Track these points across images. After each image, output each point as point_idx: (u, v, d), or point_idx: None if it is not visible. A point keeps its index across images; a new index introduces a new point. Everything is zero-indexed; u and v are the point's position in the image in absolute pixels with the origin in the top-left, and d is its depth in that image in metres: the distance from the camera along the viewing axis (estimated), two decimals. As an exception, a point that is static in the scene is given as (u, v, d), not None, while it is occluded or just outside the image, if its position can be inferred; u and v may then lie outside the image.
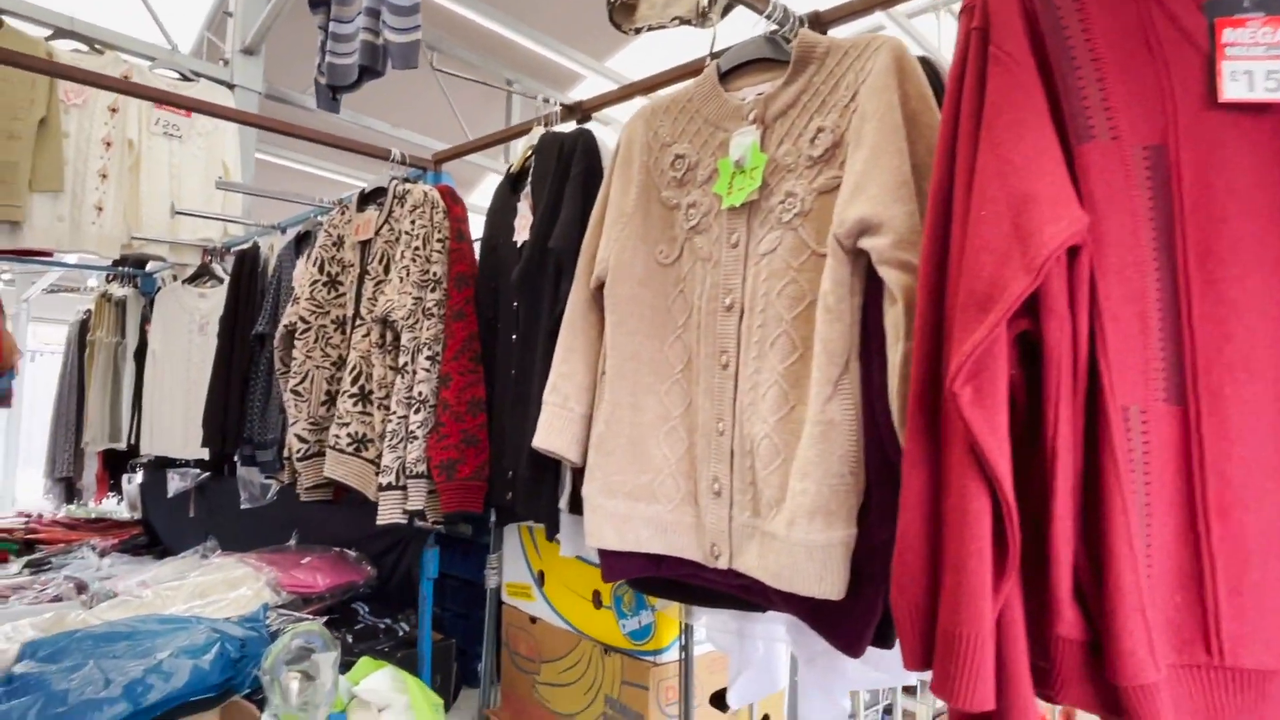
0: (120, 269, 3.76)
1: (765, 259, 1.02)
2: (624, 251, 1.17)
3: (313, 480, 1.91)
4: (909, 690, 2.12)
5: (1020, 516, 0.69)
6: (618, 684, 1.53)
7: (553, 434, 1.21)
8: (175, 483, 3.08)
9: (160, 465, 3.18)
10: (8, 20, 2.80)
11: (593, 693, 1.58)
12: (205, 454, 2.80)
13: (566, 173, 1.40)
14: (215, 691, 1.45)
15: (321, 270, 1.99)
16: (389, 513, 1.63)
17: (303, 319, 1.95)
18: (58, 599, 2.50)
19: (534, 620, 1.76)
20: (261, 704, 1.45)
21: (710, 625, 1.35)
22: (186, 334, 3.00)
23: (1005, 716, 0.69)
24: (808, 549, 0.90)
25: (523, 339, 1.50)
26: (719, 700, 1.58)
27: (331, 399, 1.95)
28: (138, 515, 3.69)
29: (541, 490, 1.39)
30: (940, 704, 2.71)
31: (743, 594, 1.08)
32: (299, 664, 1.47)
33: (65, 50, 2.93)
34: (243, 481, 2.45)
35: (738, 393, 1.04)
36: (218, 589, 2.04)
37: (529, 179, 1.59)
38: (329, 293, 1.98)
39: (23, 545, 3.23)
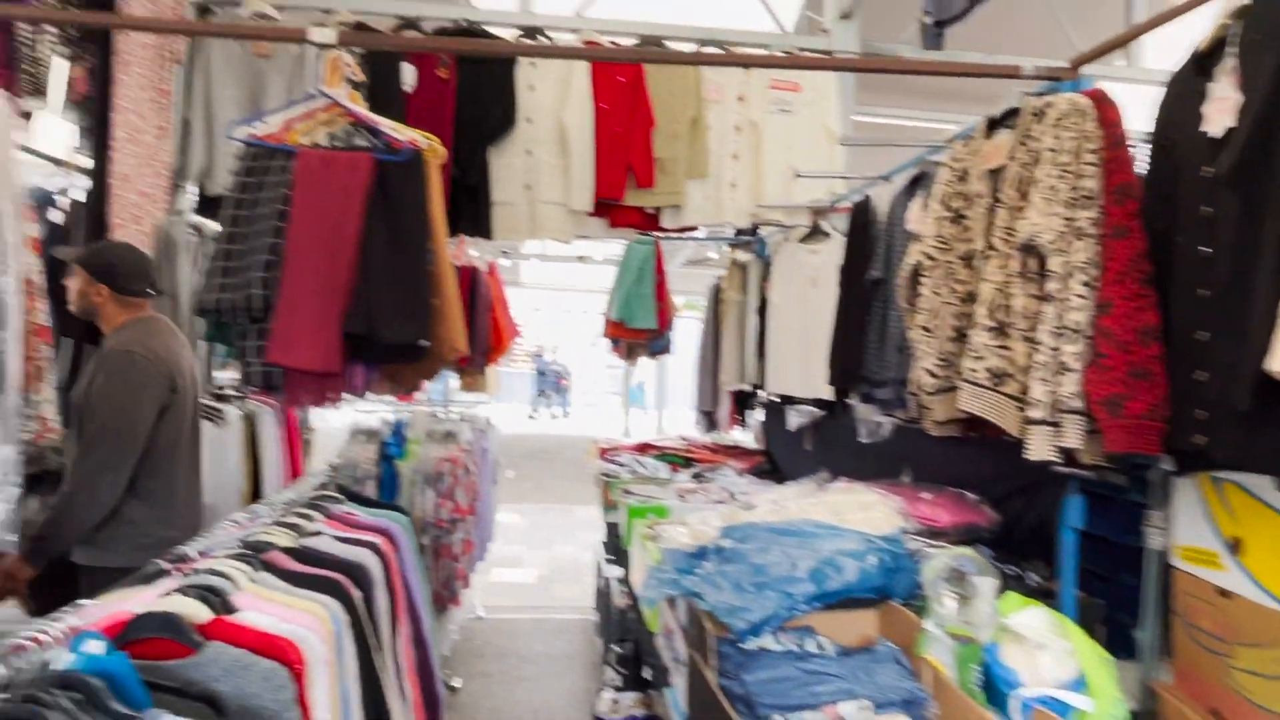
0: (739, 238, 4.44)
1: None
2: None
3: (944, 415, 1.94)
4: None
5: None
6: (1380, 694, 1.16)
7: (1305, 355, 0.95)
8: (794, 419, 3.52)
9: (780, 403, 3.68)
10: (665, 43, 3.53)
11: (1332, 696, 1.24)
12: (822, 393, 3.13)
13: (1315, 22, 1.08)
14: (874, 593, 1.59)
15: (945, 206, 1.98)
16: (1039, 448, 1.54)
17: (928, 256, 1.98)
18: (719, 501, 3.13)
19: (1224, 593, 1.47)
20: (915, 613, 1.54)
21: None
22: (801, 287, 3.37)
23: None
24: None
25: (1229, 249, 1.23)
26: None
27: (960, 334, 1.94)
28: (761, 446, 4.35)
29: (1268, 430, 1.13)
30: None
31: None
32: (954, 585, 1.51)
33: (707, 52, 3.55)
34: (860, 418, 2.65)
35: None
36: (851, 509, 2.25)
37: (1227, 51, 1.29)
38: (954, 228, 1.97)
39: (684, 460, 4.13)
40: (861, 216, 2.65)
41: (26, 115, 3.30)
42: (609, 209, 3.52)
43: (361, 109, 1.85)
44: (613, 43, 3.47)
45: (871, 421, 2.64)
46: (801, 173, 3.14)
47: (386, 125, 1.80)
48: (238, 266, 1.73)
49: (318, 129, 1.91)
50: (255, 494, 3.77)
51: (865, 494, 2.34)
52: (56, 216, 3.26)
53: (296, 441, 4.18)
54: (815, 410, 3.44)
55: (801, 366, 3.36)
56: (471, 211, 3.41)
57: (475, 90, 3.40)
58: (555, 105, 3.42)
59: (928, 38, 2.64)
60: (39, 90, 3.22)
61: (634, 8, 3.53)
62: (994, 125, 1.90)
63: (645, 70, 3.46)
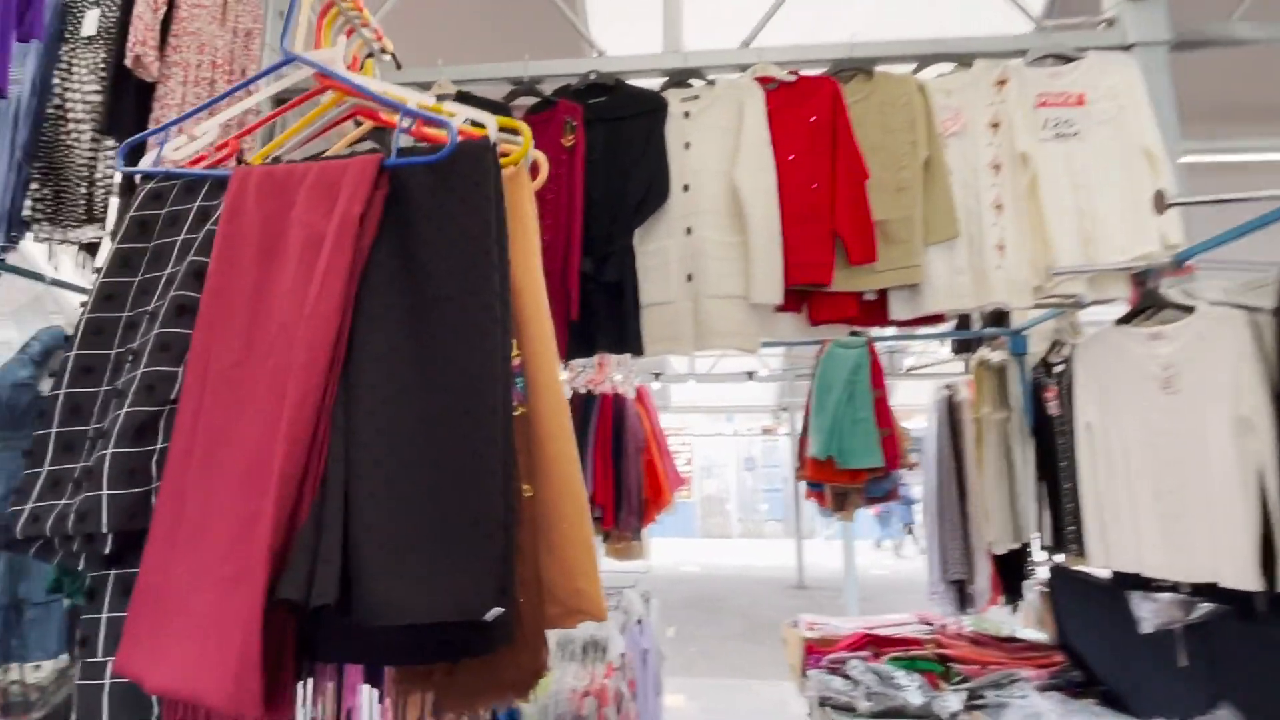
0: (981, 331, 3.19)
1: None
2: None
3: None
4: None
5: None
6: None
7: None
8: (1150, 613, 2.11)
9: (1118, 583, 2.29)
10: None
11: None
12: (1226, 577, 1.78)
13: None
14: None
15: None
16: None
17: None
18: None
19: None
20: None
21: None
22: (1145, 397, 2.06)
23: None
24: None
25: None
26: None
27: None
28: (1051, 638, 2.89)
29: None
30: None
31: None
32: None
33: (932, 77, 2.49)
34: None
35: None
36: None
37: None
38: None
39: (940, 665, 2.75)
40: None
41: None
42: (808, 299, 2.43)
43: (372, 81, 0.88)
44: (794, 73, 2.49)
45: None
46: (1132, 219, 1.91)
47: (417, 101, 0.83)
48: (88, 437, 0.75)
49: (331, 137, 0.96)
50: None
51: None
52: None
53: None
54: (1198, 603, 2.03)
55: (1166, 530, 2.00)
56: (614, 318, 2.43)
57: (612, 156, 2.50)
58: (722, 163, 2.45)
59: None
60: None
61: (821, 29, 2.58)
62: None
63: (847, 104, 2.43)
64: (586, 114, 2.53)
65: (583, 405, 3.15)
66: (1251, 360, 1.81)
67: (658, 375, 7.64)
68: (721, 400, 16.07)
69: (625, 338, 2.43)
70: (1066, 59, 2.41)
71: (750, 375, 5.81)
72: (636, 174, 2.47)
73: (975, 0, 2.70)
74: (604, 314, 2.43)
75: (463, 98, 2.61)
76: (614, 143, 2.52)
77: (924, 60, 2.52)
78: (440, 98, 2.60)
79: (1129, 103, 2.32)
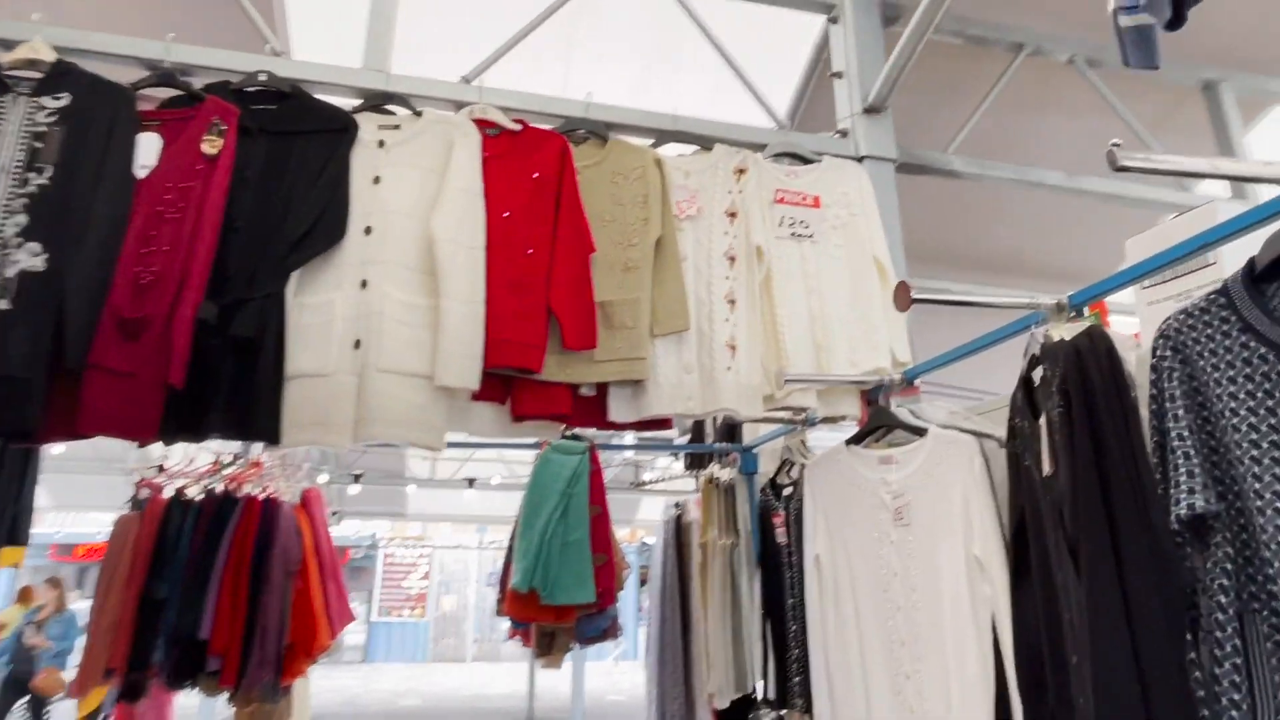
0: (710, 446, 2.92)
1: None
2: None
3: None
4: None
5: None
6: None
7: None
8: (877, 793, 1.77)
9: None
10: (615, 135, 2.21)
11: None
12: None
13: None
14: None
15: None
16: None
17: None
18: None
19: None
20: None
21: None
22: (874, 529, 1.80)
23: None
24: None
25: None
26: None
27: None
28: (771, 805, 2.48)
29: None
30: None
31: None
32: None
33: (671, 155, 2.24)
34: None
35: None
36: None
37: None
38: None
39: None
40: (1103, 372, 1.16)
41: None
42: (513, 388, 1.94)
43: None
44: (519, 121, 2.10)
45: None
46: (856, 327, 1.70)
47: None
48: None
49: None
50: None
51: None
52: None
53: None
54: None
55: (897, 691, 1.69)
56: (241, 390, 1.75)
57: (274, 176, 1.90)
58: (419, 207, 1.95)
59: (1136, 52, 1.38)
60: None
61: (559, 84, 2.25)
62: None
63: (575, 167, 2.08)
64: (246, 120, 1.93)
65: (215, 511, 2.31)
66: (982, 492, 1.60)
67: (358, 477, 6.68)
68: (472, 508, 14.95)
69: (254, 418, 1.75)
70: (805, 160, 2.29)
71: (471, 483, 5.18)
72: (302, 203, 1.88)
73: (725, 90, 2.56)
74: (227, 382, 1.76)
75: (63, 70, 1.89)
76: (279, 161, 1.93)
77: (663, 136, 2.27)
78: (29, 64, 1.87)
79: (860, 211, 2.21)
